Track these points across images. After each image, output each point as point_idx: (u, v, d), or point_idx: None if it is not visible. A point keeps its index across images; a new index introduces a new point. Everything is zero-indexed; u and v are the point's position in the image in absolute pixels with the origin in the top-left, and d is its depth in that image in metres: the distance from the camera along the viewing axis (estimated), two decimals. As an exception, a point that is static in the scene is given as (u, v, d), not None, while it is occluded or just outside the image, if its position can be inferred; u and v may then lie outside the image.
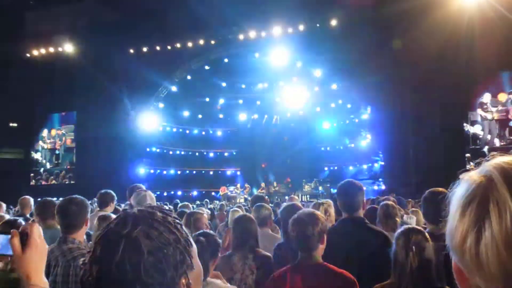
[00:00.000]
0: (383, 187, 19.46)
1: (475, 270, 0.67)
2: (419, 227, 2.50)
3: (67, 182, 21.59)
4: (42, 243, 1.32)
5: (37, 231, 1.32)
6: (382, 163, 19.68)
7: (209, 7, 16.24)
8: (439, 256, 2.32)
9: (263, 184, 21.95)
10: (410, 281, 2.30)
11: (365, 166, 22.39)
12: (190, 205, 8.21)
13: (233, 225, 3.56)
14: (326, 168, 24.84)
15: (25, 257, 1.27)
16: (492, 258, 0.64)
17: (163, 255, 0.94)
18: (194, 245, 1.06)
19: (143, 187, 4.11)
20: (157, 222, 0.98)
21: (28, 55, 21.17)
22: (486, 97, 16.24)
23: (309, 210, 2.63)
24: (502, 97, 16.17)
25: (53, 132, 22.63)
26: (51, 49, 20.94)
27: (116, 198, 4.41)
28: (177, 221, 1.02)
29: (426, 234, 2.41)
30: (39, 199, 7.93)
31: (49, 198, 4.07)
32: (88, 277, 0.94)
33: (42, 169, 22.55)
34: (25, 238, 1.29)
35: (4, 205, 6.57)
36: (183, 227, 1.04)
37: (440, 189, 3.06)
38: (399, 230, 2.48)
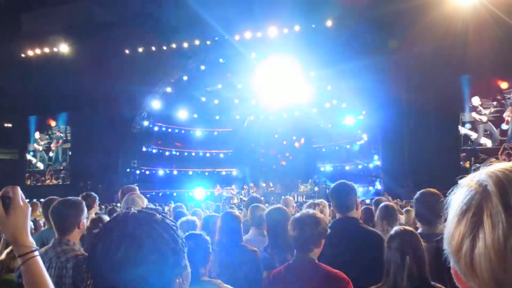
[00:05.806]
0: (379, 187, 19.52)
1: (470, 276, 0.69)
2: (411, 228, 2.49)
3: (61, 183, 21.52)
4: (25, 204, 1.35)
5: (19, 194, 1.35)
6: (378, 163, 19.72)
7: (205, 7, 16.24)
8: (430, 256, 2.33)
9: (252, 184, 21.99)
10: (407, 284, 2.26)
11: (360, 167, 22.42)
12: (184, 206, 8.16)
13: (220, 221, 3.63)
14: (322, 169, 24.88)
15: (10, 219, 1.31)
16: (485, 267, 0.66)
17: (162, 254, 0.97)
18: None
19: (136, 189, 4.09)
20: (157, 223, 1.01)
21: (23, 55, 21.08)
22: (475, 101, 16.31)
23: (311, 211, 2.65)
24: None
25: (48, 132, 22.55)
26: (47, 50, 20.85)
27: (98, 199, 4.44)
28: (173, 223, 1.06)
29: (418, 235, 2.41)
30: (41, 199, 7.93)
31: (54, 197, 4.06)
32: (87, 274, 0.96)
33: (37, 170, 22.46)
34: (7, 201, 1.32)
35: None
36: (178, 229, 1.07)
37: (432, 190, 3.08)
38: (391, 232, 2.43)
